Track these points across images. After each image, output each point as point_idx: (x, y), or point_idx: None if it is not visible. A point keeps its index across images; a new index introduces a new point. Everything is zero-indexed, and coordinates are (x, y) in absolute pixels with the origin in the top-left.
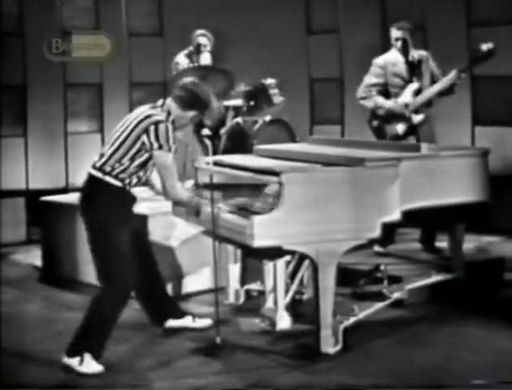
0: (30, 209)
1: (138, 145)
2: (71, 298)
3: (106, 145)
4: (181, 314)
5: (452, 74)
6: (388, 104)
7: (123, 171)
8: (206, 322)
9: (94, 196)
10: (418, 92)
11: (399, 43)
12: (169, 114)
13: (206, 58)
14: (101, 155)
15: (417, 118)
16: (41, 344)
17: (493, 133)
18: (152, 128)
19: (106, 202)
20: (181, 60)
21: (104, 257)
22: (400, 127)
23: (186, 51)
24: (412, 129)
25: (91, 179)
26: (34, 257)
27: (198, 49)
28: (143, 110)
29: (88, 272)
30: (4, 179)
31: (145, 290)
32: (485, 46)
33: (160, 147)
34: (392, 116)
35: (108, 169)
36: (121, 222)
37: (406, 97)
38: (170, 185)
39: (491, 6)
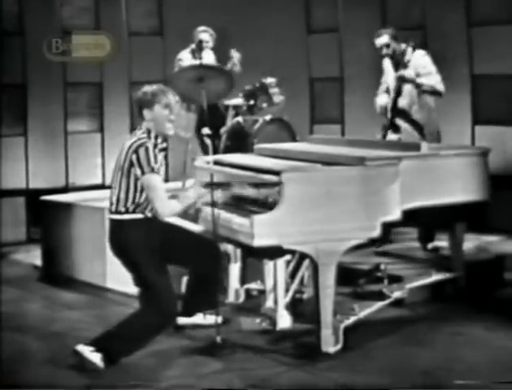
0: (30, 208)
1: (133, 177)
2: (72, 297)
3: (111, 190)
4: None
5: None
6: (378, 103)
7: (136, 205)
8: (216, 318)
9: (123, 236)
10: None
11: (383, 50)
12: (149, 132)
13: (208, 56)
14: (111, 202)
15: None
16: (42, 344)
17: (493, 132)
18: (134, 158)
19: (137, 237)
20: (184, 57)
21: (148, 285)
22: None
23: (189, 49)
24: (393, 130)
25: (114, 223)
26: (34, 256)
27: (200, 46)
28: (128, 143)
29: (88, 271)
30: (4, 179)
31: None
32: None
33: (142, 172)
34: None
35: (123, 209)
36: (154, 249)
37: (382, 98)
38: (160, 206)
39: (491, 5)
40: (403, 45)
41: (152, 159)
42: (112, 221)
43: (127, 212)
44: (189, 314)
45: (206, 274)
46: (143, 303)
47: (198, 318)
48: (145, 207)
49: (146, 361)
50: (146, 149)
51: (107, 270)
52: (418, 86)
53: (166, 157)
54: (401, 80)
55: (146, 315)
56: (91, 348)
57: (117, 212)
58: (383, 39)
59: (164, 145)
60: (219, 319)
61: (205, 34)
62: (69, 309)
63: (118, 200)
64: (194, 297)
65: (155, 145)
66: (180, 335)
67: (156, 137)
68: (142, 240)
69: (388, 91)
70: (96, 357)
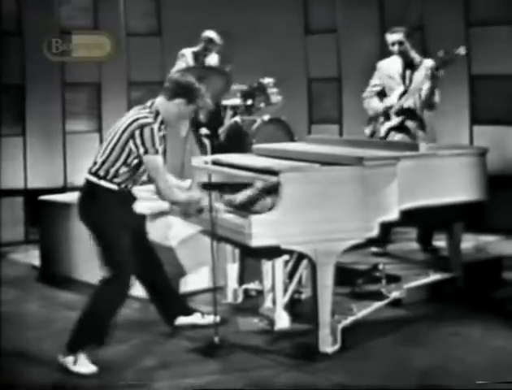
0: (28, 208)
1: (127, 149)
2: (69, 297)
3: (99, 151)
4: (190, 311)
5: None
6: (376, 106)
7: (116, 175)
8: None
9: (91, 199)
10: (403, 95)
11: (395, 47)
12: (157, 114)
13: (213, 58)
14: (95, 161)
15: (395, 120)
16: (40, 344)
17: (491, 132)
18: (137, 133)
19: (103, 205)
20: (187, 53)
21: (107, 256)
22: (382, 128)
23: (193, 50)
24: (398, 130)
25: (87, 184)
26: (32, 256)
27: (208, 48)
28: (131, 114)
29: (86, 271)
30: (3, 179)
31: (153, 288)
32: (461, 50)
33: (146, 151)
34: (378, 117)
35: (102, 174)
36: (119, 222)
37: (392, 99)
38: (165, 188)
39: (489, 6)
40: (412, 51)
41: (157, 141)
42: (88, 182)
43: (104, 178)
44: (187, 313)
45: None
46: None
47: (197, 318)
48: (122, 181)
49: (145, 362)
50: (152, 131)
51: None
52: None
53: (164, 151)
54: (435, 77)
55: (105, 290)
56: (71, 358)
57: (96, 174)
58: (397, 36)
59: (164, 132)
60: (217, 319)
61: (214, 40)
62: (67, 309)
63: (104, 162)
64: (167, 302)
65: (159, 130)
66: (178, 335)
67: (161, 123)
68: (111, 209)
69: (380, 94)
70: (82, 365)
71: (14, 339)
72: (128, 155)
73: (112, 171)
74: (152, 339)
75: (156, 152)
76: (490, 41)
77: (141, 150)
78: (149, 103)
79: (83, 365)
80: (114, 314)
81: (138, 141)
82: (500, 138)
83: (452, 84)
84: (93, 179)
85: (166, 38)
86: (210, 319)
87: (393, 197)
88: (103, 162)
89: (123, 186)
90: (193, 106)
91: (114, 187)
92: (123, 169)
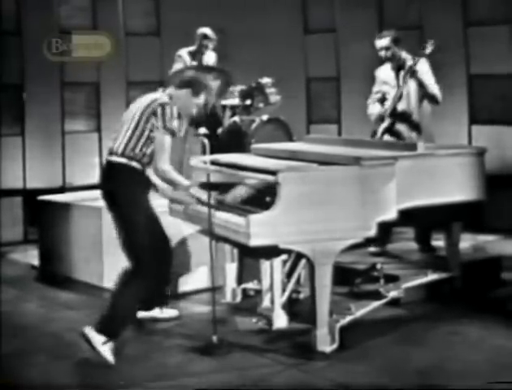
0: (27, 208)
1: (149, 126)
2: (69, 297)
3: (119, 133)
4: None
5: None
6: (375, 111)
7: (143, 155)
8: (173, 312)
9: (120, 181)
10: (400, 96)
11: (382, 53)
12: (170, 98)
13: (209, 57)
14: (117, 143)
15: (387, 121)
16: (39, 343)
17: (490, 132)
18: (159, 110)
19: (133, 185)
20: (183, 53)
21: (130, 242)
22: (379, 130)
23: (188, 50)
24: (390, 134)
25: (113, 165)
26: (31, 256)
27: (203, 45)
28: (148, 96)
29: (85, 271)
30: (2, 179)
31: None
32: (428, 45)
33: (158, 128)
34: (377, 123)
35: (131, 154)
36: (145, 202)
37: (388, 103)
38: (161, 165)
39: (488, 5)
40: (403, 53)
41: (171, 121)
42: (114, 163)
43: (133, 158)
44: (147, 308)
45: (157, 271)
46: (131, 261)
47: (156, 312)
48: (146, 161)
49: (143, 361)
50: (169, 109)
51: (104, 270)
52: (422, 86)
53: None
54: (412, 73)
55: (129, 284)
56: (102, 339)
57: (123, 155)
58: (383, 42)
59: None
60: (176, 312)
61: (209, 35)
62: (66, 309)
63: (128, 143)
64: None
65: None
66: (176, 334)
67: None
68: (140, 188)
69: (382, 100)
70: (107, 351)
71: (13, 338)
72: (151, 131)
73: (138, 150)
74: (150, 338)
75: (167, 130)
76: (488, 40)
77: (158, 125)
78: (161, 89)
79: (108, 351)
80: (135, 305)
81: (159, 118)
82: (498, 138)
83: (450, 84)
84: (122, 160)
85: (165, 38)
86: (169, 313)
87: (391, 196)
88: (127, 143)
89: (145, 164)
90: (197, 99)
91: (140, 167)
92: (146, 148)
